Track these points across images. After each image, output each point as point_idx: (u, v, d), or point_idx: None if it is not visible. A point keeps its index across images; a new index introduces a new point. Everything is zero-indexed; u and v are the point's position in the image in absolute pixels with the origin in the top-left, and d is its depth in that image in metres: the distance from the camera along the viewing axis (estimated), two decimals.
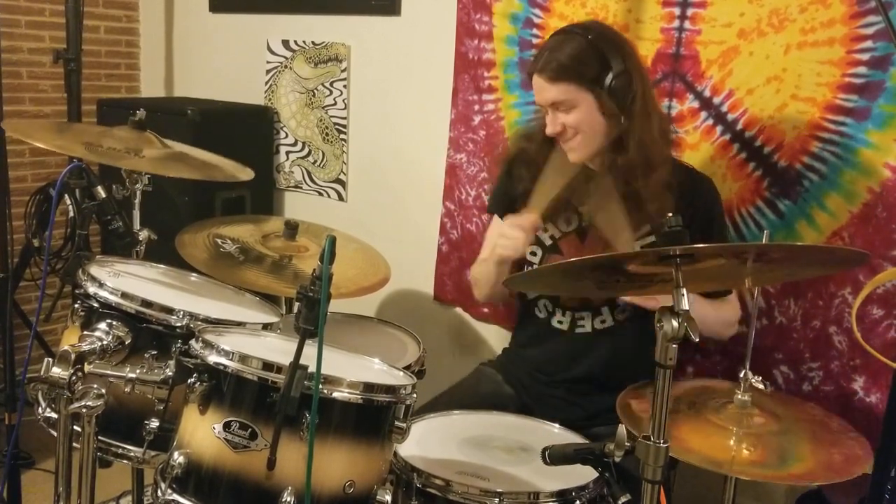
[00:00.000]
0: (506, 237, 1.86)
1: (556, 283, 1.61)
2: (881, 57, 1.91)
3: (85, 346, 1.45)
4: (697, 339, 1.25)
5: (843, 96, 1.97)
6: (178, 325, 1.56)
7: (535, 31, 2.45)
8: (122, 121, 2.06)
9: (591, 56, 1.84)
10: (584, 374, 2.02)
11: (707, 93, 2.17)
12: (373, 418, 1.39)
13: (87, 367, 1.41)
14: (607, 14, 2.29)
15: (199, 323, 1.56)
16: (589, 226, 1.98)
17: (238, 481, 1.32)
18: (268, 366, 1.32)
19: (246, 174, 2.10)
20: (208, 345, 1.38)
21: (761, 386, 1.66)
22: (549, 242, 2.03)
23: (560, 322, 2.04)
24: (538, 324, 2.08)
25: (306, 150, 3.12)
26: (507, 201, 2.05)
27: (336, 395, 1.33)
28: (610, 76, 1.82)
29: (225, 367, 1.35)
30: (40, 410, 1.63)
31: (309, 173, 3.13)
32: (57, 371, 1.37)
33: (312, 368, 1.25)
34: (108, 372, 1.46)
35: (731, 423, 1.58)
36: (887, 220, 1.94)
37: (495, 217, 2.13)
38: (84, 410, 1.41)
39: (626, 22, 2.26)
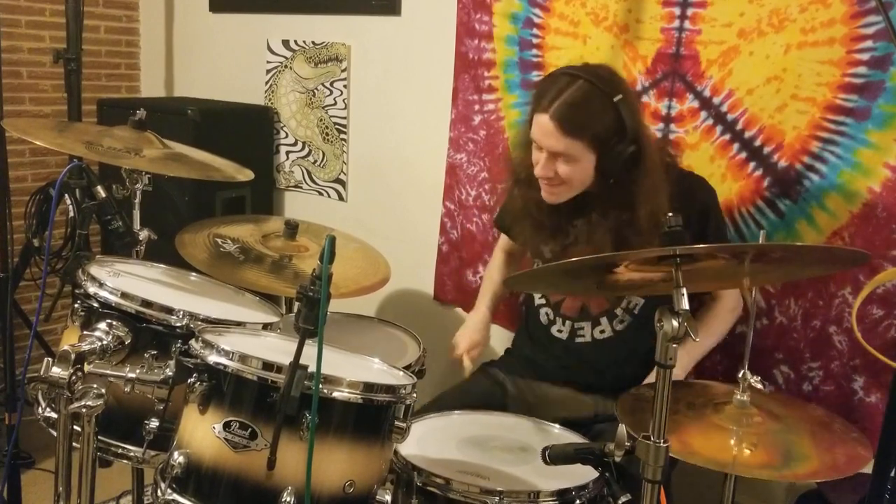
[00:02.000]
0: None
1: (557, 283, 1.61)
2: (881, 57, 1.91)
3: (85, 346, 1.45)
4: (698, 339, 1.25)
5: (843, 96, 1.97)
6: (178, 325, 1.56)
7: (535, 30, 2.45)
8: (122, 121, 2.07)
9: (607, 115, 1.77)
10: (585, 381, 2.03)
11: (707, 93, 2.17)
12: (373, 418, 1.39)
13: (86, 367, 1.41)
14: (607, 14, 2.29)
15: (199, 323, 1.56)
16: (581, 241, 1.97)
17: (238, 481, 1.32)
18: (268, 366, 1.32)
19: (245, 175, 2.10)
20: (208, 345, 1.39)
21: (760, 386, 1.66)
22: (548, 256, 2.03)
23: (559, 331, 2.05)
24: (540, 330, 2.09)
25: (306, 150, 3.12)
26: (507, 222, 2.15)
27: (336, 394, 1.33)
28: (621, 143, 1.77)
29: (225, 366, 1.35)
30: (40, 410, 1.63)
31: (309, 173, 3.13)
32: (57, 371, 1.37)
33: (312, 368, 1.25)
34: (108, 372, 1.46)
35: (731, 423, 1.58)
36: (887, 220, 1.94)
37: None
38: (84, 410, 1.41)
39: (626, 22, 2.26)
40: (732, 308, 2.03)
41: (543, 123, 1.79)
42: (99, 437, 1.53)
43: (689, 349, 1.91)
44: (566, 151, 1.79)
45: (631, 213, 1.82)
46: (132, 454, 1.58)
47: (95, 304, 1.59)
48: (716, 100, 2.16)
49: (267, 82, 3.19)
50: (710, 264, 1.32)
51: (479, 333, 2.08)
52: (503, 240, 2.28)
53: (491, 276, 2.28)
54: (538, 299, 2.09)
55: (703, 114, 2.18)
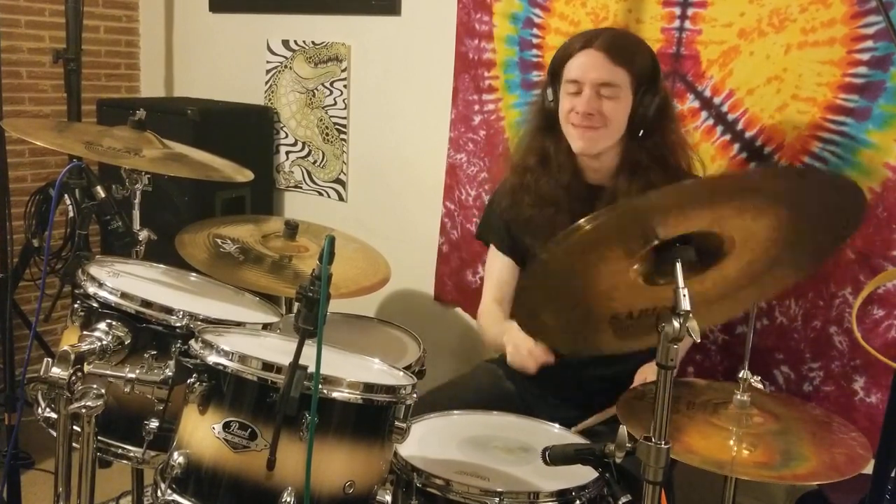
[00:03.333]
0: (524, 356, 1.86)
1: None
2: (882, 57, 1.91)
3: (84, 347, 1.45)
4: (699, 340, 1.25)
5: (843, 96, 1.97)
6: (178, 325, 1.56)
7: (535, 30, 2.45)
8: (121, 121, 2.06)
9: (647, 57, 1.86)
10: (582, 385, 2.02)
11: (707, 93, 2.17)
12: (373, 418, 1.39)
13: (86, 368, 1.41)
14: (608, 14, 2.29)
15: (199, 323, 1.56)
16: None
17: (238, 481, 1.32)
18: (267, 366, 1.32)
19: (245, 176, 2.10)
20: (208, 345, 1.38)
21: (760, 386, 1.65)
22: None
23: None
24: None
25: (306, 150, 3.12)
26: (508, 237, 2.06)
27: (336, 395, 1.33)
28: (655, 88, 1.83)
29: (224, 367, 1.34)
30: (40, 411, 1.63)
31: (309, 173, 3.13)
32: (56, 371, 1.37)
33: (312, 368, 1.25)
34: (108, 372, 1.46)
35: (731, 423, 1.58)
36: (888, 220, 1.94)
37: (494, 252, 2.12)
38: (84, 410, 1.41)
39: (627, 22, 2.26)
40: None
41: (589, 56, 1.82)
42: (99, 437, 1.53)
43: None
44: (613, 80, 1.80)
45: (661, 170, 1.84)
46: (132, 454, 1.58)
47: (95, 305, 1.58)
48: (716, 100, 2.16)
49: (267, 82, 3.19)
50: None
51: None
52: (493, 290, 2.11)
53: (496, 322, 2.05)
54: None
55: (704, 114, 2.18)
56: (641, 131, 1.85)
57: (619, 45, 1.83)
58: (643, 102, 1.83)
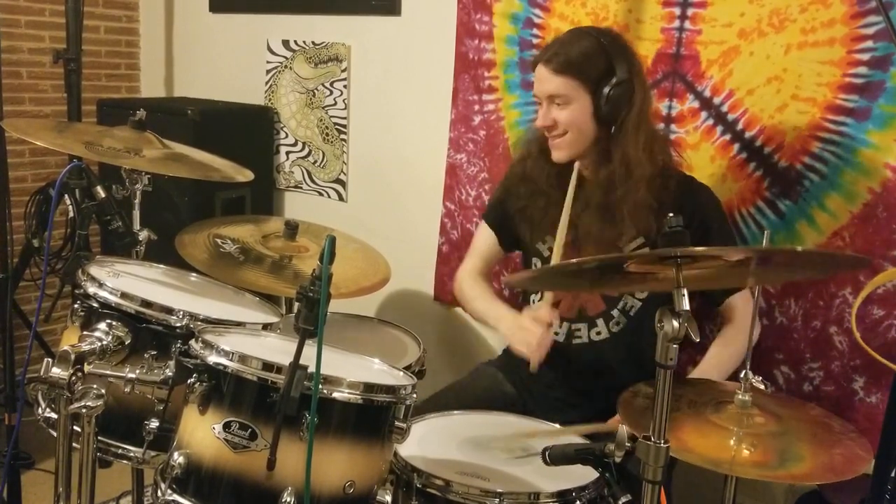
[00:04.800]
0: (524, 330, 1.86)
1: (554, 281, 1.62)
2: (882, 57, 1.91)
3: (85, 347, 1.45)
4: (698, 340, 1.25)
5: (843, 96, 1.97)
6: (178, 325, 1.56)
7: (535, 31, 2.45)
8: (122, 121, 2.07)
9: (599, 57, 1.87)
10: (582, 382, 2.02)
11: (707, 93, 2.17)
12: (373, 418, 1.39)
13: (86, 368, 1.41)
14: (608, 14, 2.29)
15: (199, 323, 1.56)
16: (580, 234, 1.97)
17: (238, 481, 1.32)
18: (267, 366, 1.32)
19: (245, 176, 2.10)
20: (208, 345, 1.39)
21: (762, 386, 1.65)
22: (547, 254, 2.03)
23: (556, 333, 2.04)
24: None
25: (306, 150, 3.12)
26: (501, 215, 2.13)
27: (336, 395, 1.33)
28: (612, 83, 1.84)
29: (225, 367, 1.35)
30: (40, 411, 1.63)
31: (309, 173, 3.13)
32: (57, 371, 1.37)
33: (312, 368, 1.25)
34: (108, 372, 1.46)
35: (732, 423, 1.58)
36: (888, 220, 1.94)
37: (483, 224, 2.20)
38: (84, 411, 1.41)
39: (627, 22, 2.26)
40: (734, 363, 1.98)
41: (539, 71, 1.90)
42: (99, 437, 1.53)
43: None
44: (558, 91, 1.86)
45: (622, 154, 1.85)
46: (132, 454, 1.58)
47: (95, 305, 1.59)
48: (716, 100, 2.15)
49: (267, 82, 3.19)
50: (713, 265, 1.32)
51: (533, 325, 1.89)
52: (475, 258, 2.20)
53: (482, 295, 2.14)
54: (536, 302, 2.08)
55: (704, 114, 2.18)
56: (612, 127, 1.88)
57: (561, 54, 1.86)
58: (604, 99, 1.86)
